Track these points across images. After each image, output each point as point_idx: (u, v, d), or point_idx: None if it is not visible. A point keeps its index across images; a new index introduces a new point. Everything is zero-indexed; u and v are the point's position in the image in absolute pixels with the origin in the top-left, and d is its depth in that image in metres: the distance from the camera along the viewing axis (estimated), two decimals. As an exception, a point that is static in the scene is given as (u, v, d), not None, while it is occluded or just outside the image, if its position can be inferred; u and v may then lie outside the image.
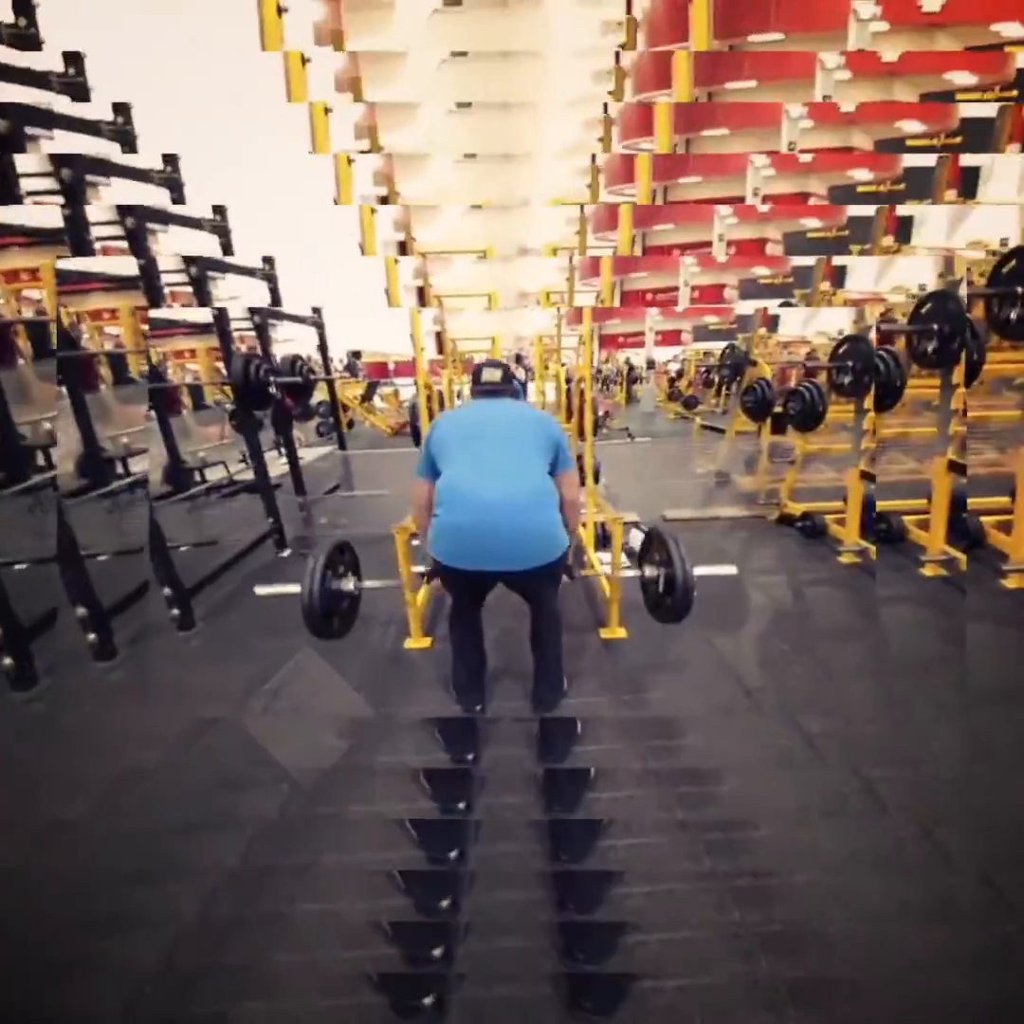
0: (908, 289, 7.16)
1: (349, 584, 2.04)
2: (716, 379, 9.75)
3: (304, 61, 8.17)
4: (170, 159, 3.21)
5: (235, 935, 1.24)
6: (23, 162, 2.42)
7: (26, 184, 2.45)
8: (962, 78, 9.84)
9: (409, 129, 11.55)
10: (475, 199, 12.49)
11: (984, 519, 2.82)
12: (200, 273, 3.18)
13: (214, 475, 4.60)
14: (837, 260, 9.89)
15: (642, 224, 13.88)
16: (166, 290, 3.32)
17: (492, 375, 1.85)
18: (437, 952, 1.21)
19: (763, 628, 2.55)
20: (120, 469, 3.69)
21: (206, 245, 3.50)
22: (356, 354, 10.56)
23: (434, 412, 3.14)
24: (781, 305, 9.90)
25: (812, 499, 3.67)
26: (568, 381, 3.75)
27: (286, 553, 3.60)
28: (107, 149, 2.85)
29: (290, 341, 5.08)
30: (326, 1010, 1.09)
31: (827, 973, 1.09)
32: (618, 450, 7.07)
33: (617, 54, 9.61)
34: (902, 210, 9.93)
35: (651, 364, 11.58)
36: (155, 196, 3.15)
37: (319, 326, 5.06)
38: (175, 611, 2.53)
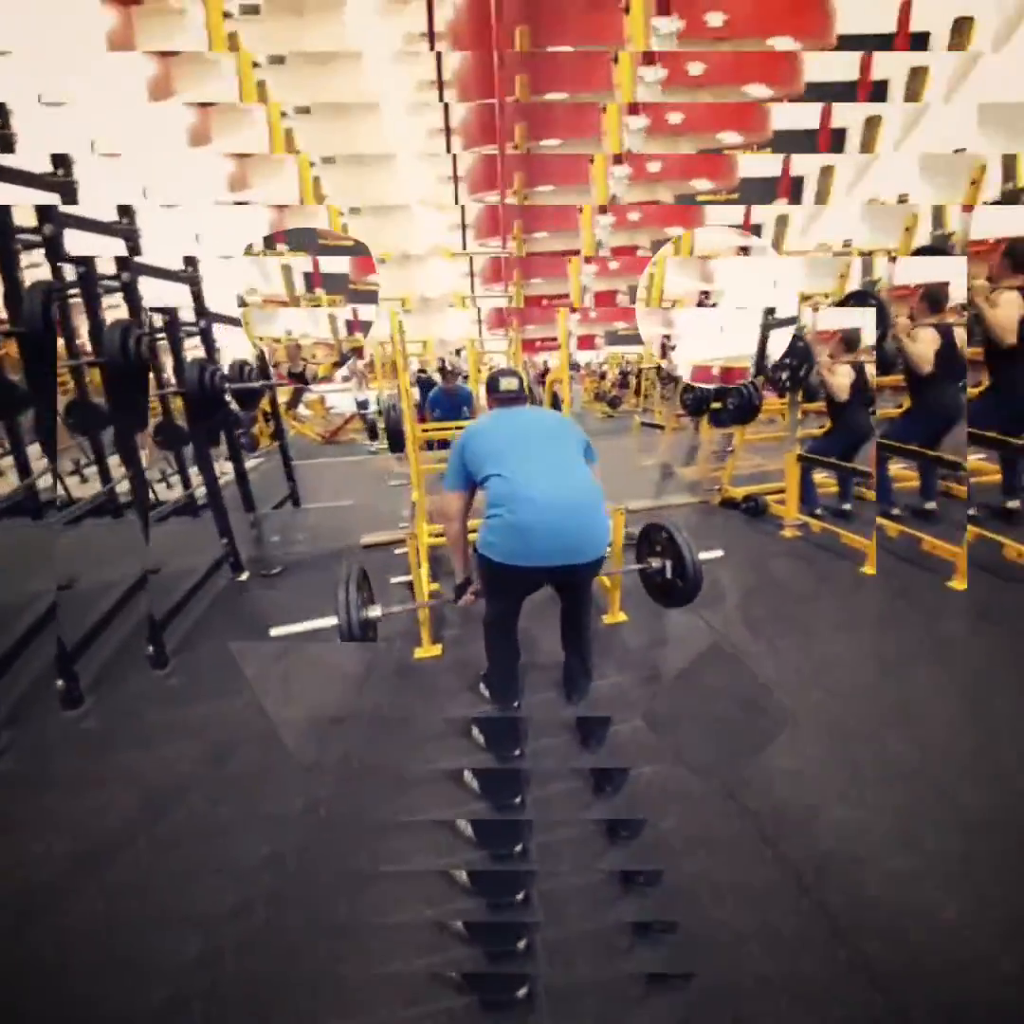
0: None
1: (376, 611, 1.98)
2: (634, 381, 10.45)
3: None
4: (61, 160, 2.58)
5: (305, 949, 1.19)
6: None
7: None
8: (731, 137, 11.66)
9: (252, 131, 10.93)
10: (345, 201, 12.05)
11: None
12: (132, 278, 2.83)
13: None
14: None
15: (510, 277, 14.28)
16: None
17: (510, 384, 1.89)
18: (521, 945, 1.24)
19: (740, 598, 2.83)
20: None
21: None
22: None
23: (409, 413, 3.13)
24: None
25: (745, 484, 4.14)
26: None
27: (244, 576, 3.35)
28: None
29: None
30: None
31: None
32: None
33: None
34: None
35: (576, 366, 12.13)
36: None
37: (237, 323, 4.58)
38: (149, 648, 2.27)
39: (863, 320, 3.27)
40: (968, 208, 3.57)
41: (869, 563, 2.95)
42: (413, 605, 2.38)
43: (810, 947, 1.18)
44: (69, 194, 2.50)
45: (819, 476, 3.79)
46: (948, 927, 1.21)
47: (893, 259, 4.68)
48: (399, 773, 1.72)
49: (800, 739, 1.77)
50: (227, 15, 7.50)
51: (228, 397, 2.94)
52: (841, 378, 3.43)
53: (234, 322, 4.03)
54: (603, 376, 11.98)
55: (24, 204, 2.46)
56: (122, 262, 2.93)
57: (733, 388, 3.78)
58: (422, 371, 6.33)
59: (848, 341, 3.46)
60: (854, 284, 5.09)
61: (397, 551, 3.47)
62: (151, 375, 2.93)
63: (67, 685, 1.97)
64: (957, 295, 3.10)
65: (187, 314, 3.61)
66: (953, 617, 2.52)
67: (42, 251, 2.60)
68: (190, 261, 3.48)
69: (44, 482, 3.02)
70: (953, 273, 3.20)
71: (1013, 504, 3.20)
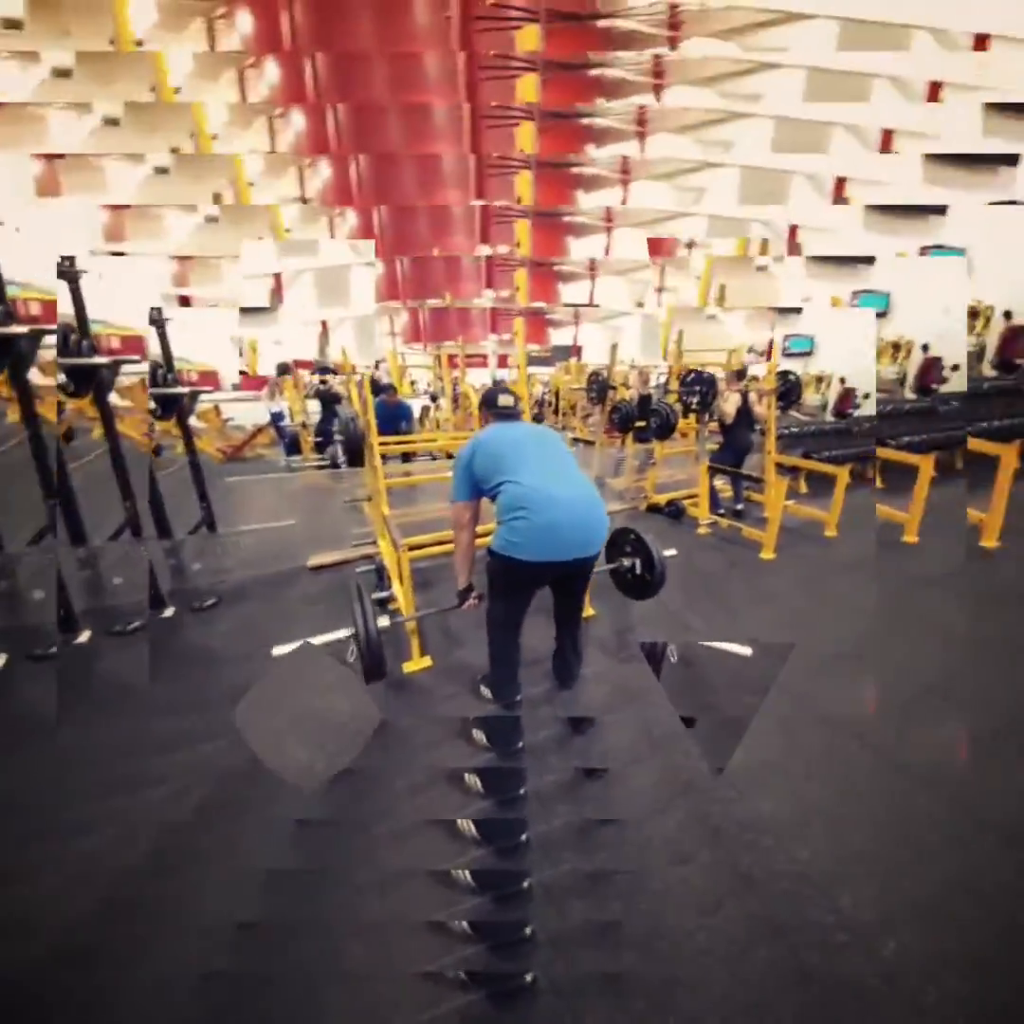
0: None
1: (384, 620, 2.13)
2: (551, 401, 11.22)
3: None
4: None
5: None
6: None
7: None
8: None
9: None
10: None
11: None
12: None
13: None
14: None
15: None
16: None
17: (507, 400, 2.11)
18: (528, 931, 1.33)
19: (679, 583, 3.35)
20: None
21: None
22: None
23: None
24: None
25: (663, 492, 4.87)
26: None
27: (169, 612, 3.01)
28: None
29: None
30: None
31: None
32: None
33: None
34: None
35: (499, 383, 12.75)
36: None
37: (159, 324, 4.08)
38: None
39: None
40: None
41: (767, 550, 3.74)
42: (431, 610, 2.46)
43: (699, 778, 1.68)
44: None
45: (717, 482, 4.61)
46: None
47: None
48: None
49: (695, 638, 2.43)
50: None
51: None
52: (730, 405, 4.26)
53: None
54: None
55: None
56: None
57: (654, 408, 4.48)
58: (323, 382, 6.01)
59: (738, 374, 4.34)
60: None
61: (359, 569, 3.45)
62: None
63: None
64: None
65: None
66: (768, 570, 3.62)
67: None
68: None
69: None
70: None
71: (740, 507, 4.57)
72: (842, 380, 7.02)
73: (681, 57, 10.18)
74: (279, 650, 2.62)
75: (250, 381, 9.39)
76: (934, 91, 8.96)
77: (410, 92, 10.57)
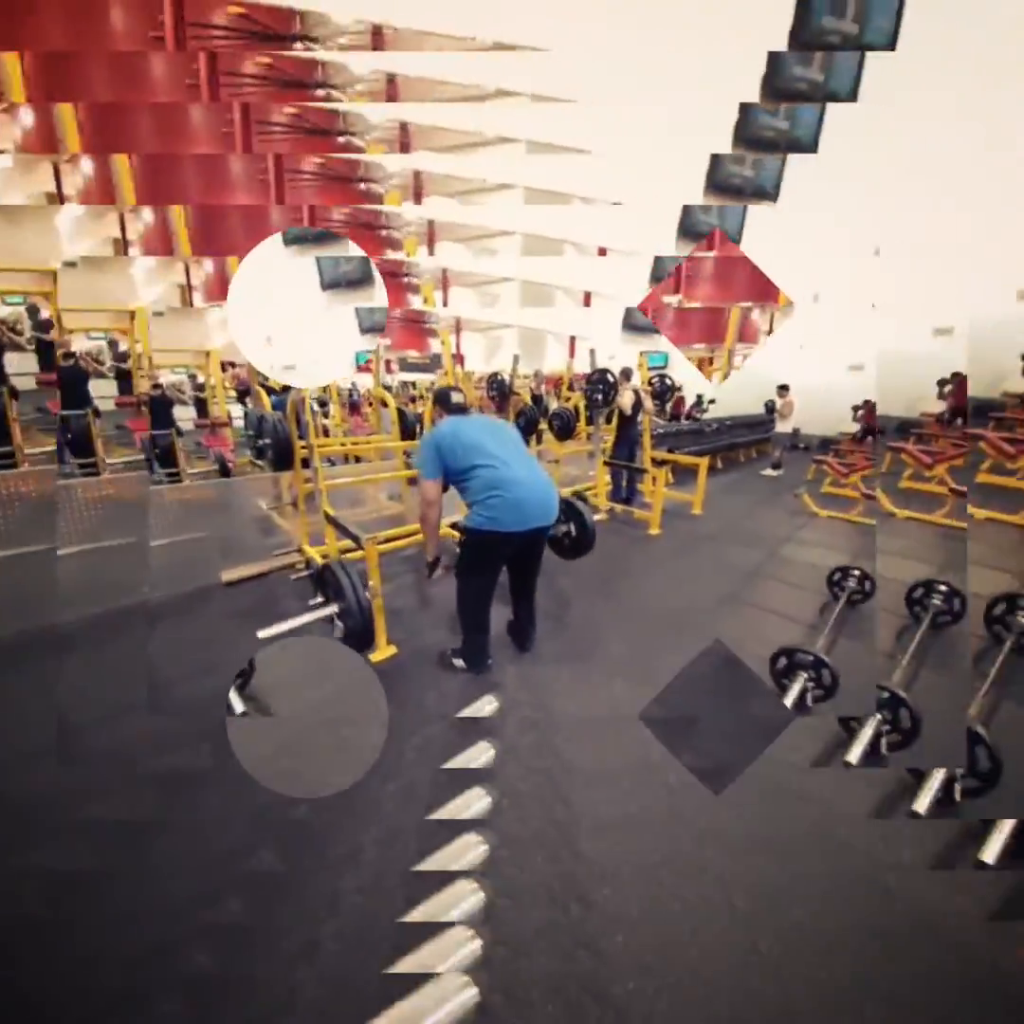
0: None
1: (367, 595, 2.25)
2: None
3: None
4: None
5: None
6: None
7: None
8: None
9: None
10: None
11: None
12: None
13: None
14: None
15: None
16: None
17: (460, 397, 2.44)
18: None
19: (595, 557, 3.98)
20: None
21: None
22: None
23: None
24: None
25: (565, 486, 5.55)
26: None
27: None
28: None
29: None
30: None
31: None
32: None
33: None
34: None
35: (388, 388, 12.63)
36: None
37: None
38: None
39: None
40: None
41: (653, 526, 4.57)
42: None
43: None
44: None
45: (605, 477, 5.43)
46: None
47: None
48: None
49: (627, 600, 3.00)
50: None
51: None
52: (626, 399, 5.05)
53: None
54: (413, 399, 12.75)
55: None
56: None
57: (558, 411, 5.11)
58: (156, 386, 5.49)
59: (625, 373, 5.12)
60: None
61: (294, 577, 3.38)
62: None
63: None
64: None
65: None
66: (657, 543, 4.42)
67: None
68: None
69: None
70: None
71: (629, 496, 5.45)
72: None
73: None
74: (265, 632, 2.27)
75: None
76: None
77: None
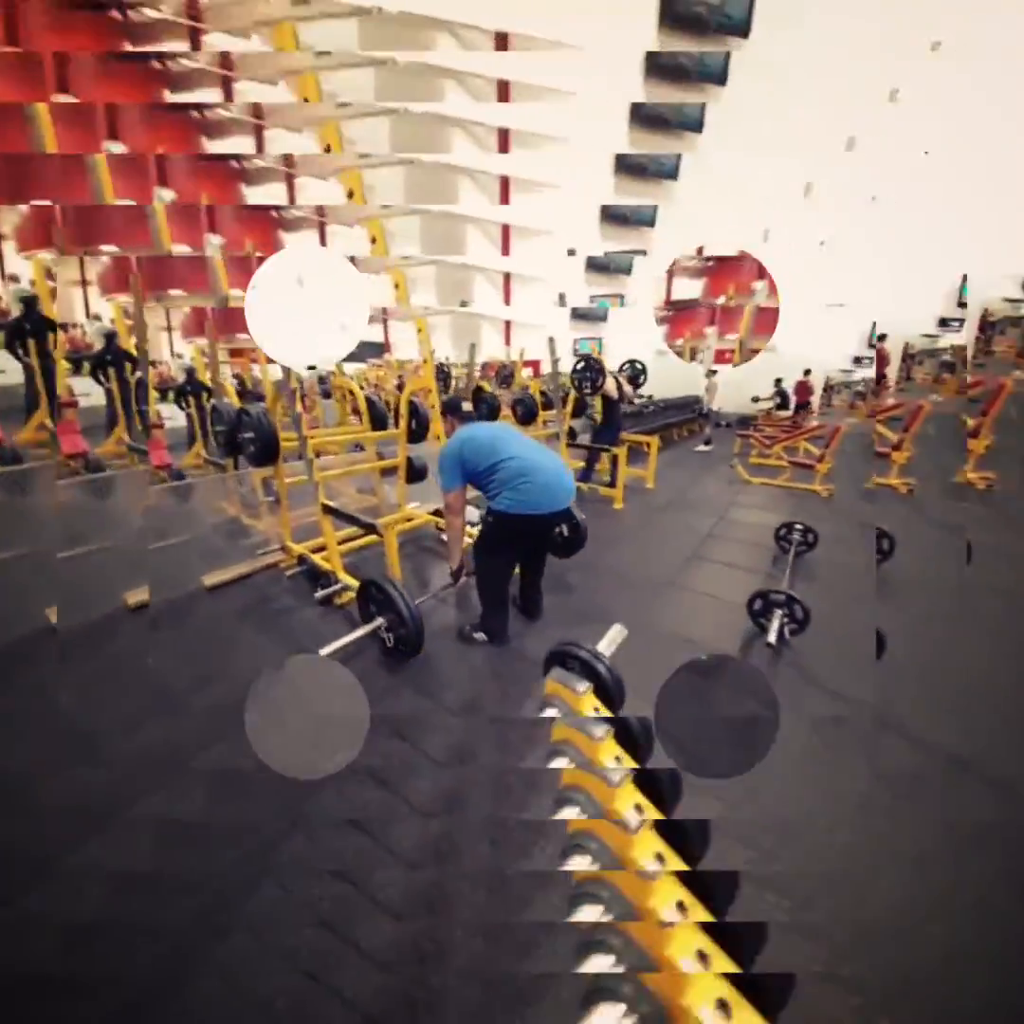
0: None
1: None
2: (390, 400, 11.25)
3: None
4: None
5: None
6: None
7: None
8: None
9: None
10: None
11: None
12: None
13: None
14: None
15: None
16: None
17: (468, 406, 2.71)
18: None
19: None
20: None
21: None
22: None
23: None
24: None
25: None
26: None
27: None
28: None
29: None
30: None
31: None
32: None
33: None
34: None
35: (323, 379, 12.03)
36: None
37: None
38: None
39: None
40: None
41: (617, 502, 4.98)
42: (428, 595, 2.77)
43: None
44: None
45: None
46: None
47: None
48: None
49: (612, 567, 3.41)
50: None
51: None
52: (611, 385, 5.32)
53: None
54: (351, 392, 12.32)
55: None
56: None
57: (520, 397, 5.33)
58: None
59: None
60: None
61: (288, 573, 3.38)
62: None
63: None
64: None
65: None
66: (623, 516, 4.85)
67: None
68: None
69: None
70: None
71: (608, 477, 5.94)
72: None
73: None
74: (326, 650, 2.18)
75: None
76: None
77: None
